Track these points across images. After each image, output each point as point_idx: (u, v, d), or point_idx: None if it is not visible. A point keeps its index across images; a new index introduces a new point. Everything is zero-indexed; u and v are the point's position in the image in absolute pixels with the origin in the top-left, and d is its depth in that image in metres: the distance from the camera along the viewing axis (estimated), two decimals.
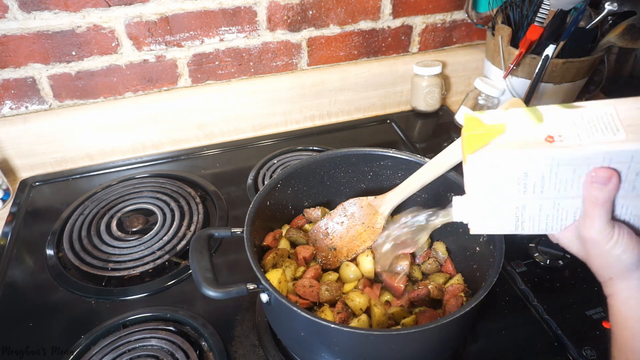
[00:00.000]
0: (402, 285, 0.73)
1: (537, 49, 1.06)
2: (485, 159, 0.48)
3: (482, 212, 0.53)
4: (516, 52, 1.07)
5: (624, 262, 0.46)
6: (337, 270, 0.78)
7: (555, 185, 0.47)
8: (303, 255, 0.76)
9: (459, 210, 0.56)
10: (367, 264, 0.75)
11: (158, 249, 0.90)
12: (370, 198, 0.80)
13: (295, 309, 0.56)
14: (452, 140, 1.21)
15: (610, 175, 0.44)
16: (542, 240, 0.86)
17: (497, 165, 0.48)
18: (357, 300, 0.69)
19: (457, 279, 0.74)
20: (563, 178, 0.46)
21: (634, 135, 0.43)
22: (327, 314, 0.67)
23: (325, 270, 0.77)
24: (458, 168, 0.73)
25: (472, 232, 0.55)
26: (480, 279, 0.72)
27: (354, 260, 0.78)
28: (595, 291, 0.79)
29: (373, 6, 1.17)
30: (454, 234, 0.79)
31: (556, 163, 0.45)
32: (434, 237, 0.81)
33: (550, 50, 1.01)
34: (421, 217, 0.67)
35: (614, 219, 0.47)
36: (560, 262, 0.84)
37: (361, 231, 0.80)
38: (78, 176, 1.11)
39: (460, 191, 0.75)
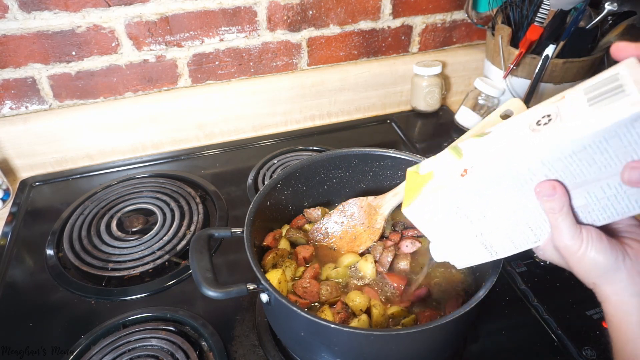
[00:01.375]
0: (402, 286, 0.73)
1: (537, 49, 1.06)
2: (416, 209, 0.53)
3: (453, 250, 0.57)
4: (516, 52, 1.07)
5: (601, 266, 0.46)
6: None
7: (490, 208, 0.49)
8: (303, 255, 0.76)
9: (437, 253, 0.59)
10: (368, 270, 0.75)
11: (158, 249, 0.90)
12: (370, 198, 0.80)
13: (295, 309, 0.56)
14: (453, 141, 1.21)
15: (553, 186, 0.45)
16: None
17: (429, 210, 0.52)
18: (357, 300, 0.69)
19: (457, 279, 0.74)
20: (492, 199, 0.49)
21: (522, 149, 0.44)
22: (327, 314, 0.67)
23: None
24: None
25: (458, 268, 0.59)
26: (480, 279, 0.72)
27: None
28: None
29: (373, 6, 1.17)
30: None
31: (474, 191, 0.48)
32: None
33: (550, 50, 1.01)
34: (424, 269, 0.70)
35: (580, 223, 0.47)
36: None
37: (361, 231, 0.80)
38: (78, 176, 1.11)
39: None
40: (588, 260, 0.46)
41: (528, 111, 0.46)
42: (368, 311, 0.68)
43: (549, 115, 0.43)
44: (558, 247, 0.48)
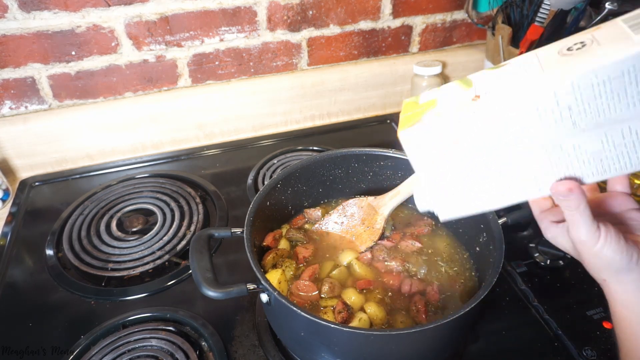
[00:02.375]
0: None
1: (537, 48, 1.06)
2: (413, 135, 0.47)
3: (442, 195, 0.51)
4: (516, 52, 1.07)
5: (615, 264, 0.46)
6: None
7: (497, 143, 0.45)
8: (303, 255, 0.76)
9: (422, 200, 0.55)
10: (365, 268, 0.75)
11: (158, 249, 0.90)
12: (371, 199, 0.80)
13: (295, 309, 0.56)
14: None
15: (569, 188, 0.44)
16: (543, 240, 0.86)
17: (427, 138, 0.47)
18: (353, 298, 0.69)
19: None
20: (501, 133, 0.44)
21: (549, 71, 0.41)
22: (329, 314, 0.67)
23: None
24: None
25: (441, 219, 0.53)
26: (480, 279, 0.72)
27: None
28: (596, 291, 0.79)
29: (373, 6, 1.17)
30: (454, 234, 0.80)
31: (483, 119, 0.44)
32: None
33: None
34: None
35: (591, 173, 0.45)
36: (560, 262, 0.84)
37: (361, 231, 0.79)
38: (78, 176, 1.11)
39: None
40: (603, 258, 0.46)
41: (554, 43, 0.43)
42: (367, 310, 0.68)
43: (582, 42, 0.40)
44: (573, 240, 0.48)
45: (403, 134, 0.48)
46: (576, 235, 0.47)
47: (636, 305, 0.47)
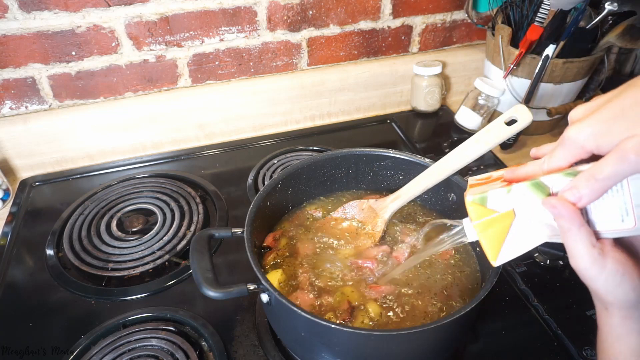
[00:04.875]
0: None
1: (537, 48, 1.06)
2: (506, 258, 0.50)
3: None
4: (516, 52, 1.07)
5: (624, 301, 0.43)
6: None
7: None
8: (303, 255, 0.76)
9: (472, 231, 0.56)
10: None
11: (158, 249, 0.90)
12: (372, 201, 0.80)
13: (295, 309, 0.56)
14: (452, 141, 1.21)
15: (553, 203, 0.42)
16: None
17: (516, 252, 0.50)
18: (353, 298, 0.69)
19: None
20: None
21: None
22: (329, 314, 0.67)
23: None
24: (460, 171, 0.73)
25: (495, 265, 0.54)
26: (480, 279, 0.72)
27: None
28: None
29: (373, 6, 1.17)
30: None
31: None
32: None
33: (550, 50, 1.01)
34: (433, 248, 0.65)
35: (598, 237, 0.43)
36: (560, 262, 0.84)
37: (362, 233, 0.80)
38: (78, 176, 1.11)
39: (462, 192, 0.75)
40: (610, 293, 0.43)
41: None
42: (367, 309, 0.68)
43: None
44: (574, 269, 0.44)
45: (496, 263, 0.50)
46: (575, 264, 0.43)
47: (631, 340, 0.44)
